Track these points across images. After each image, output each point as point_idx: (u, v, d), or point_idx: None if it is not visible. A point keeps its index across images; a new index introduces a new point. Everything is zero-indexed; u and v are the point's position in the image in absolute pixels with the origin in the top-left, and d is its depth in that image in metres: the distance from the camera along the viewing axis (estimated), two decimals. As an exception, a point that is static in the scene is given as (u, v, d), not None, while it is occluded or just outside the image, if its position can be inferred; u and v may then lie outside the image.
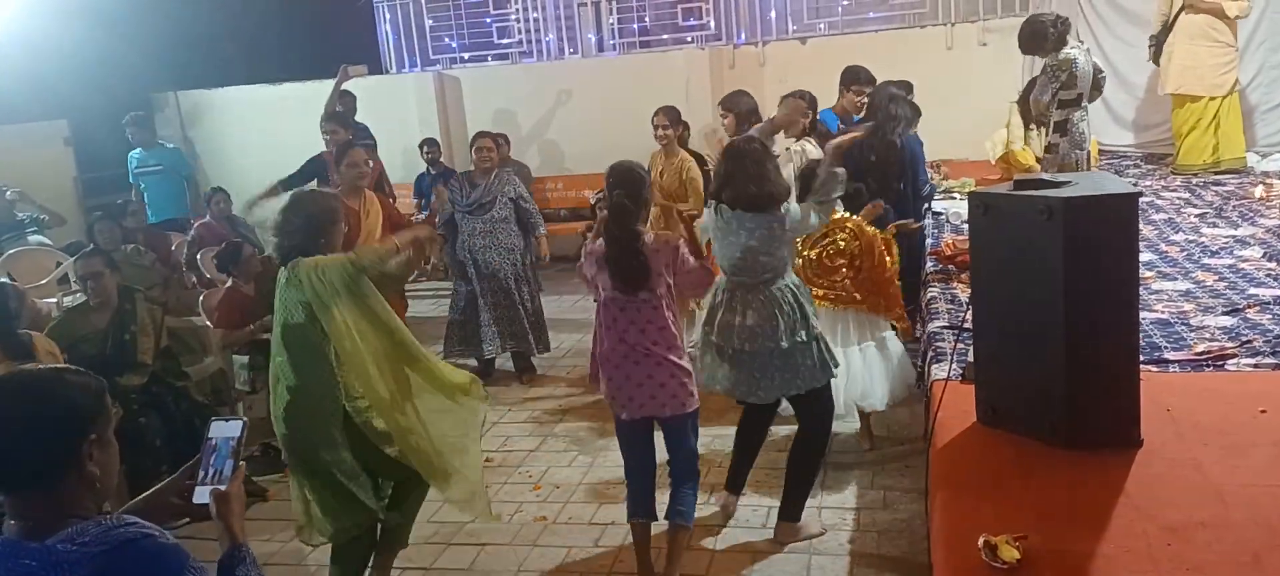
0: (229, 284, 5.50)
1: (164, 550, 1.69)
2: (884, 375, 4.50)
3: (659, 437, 3.77)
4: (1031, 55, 6.07)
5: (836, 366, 3.91)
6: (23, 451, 1.65)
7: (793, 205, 3.78)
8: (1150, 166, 7.89)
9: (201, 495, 1.90)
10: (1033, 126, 6.84)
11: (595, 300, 3.78)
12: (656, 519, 3.77)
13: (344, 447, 3.52)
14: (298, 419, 3.51)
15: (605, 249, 3.58)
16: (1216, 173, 7.14)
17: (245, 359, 5.29)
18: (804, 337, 3.72)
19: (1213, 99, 7.23)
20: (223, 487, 1.88)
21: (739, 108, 5.65)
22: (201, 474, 1.92)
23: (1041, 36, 5.74)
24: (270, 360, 3.62)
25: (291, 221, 3.53)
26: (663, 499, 3.80)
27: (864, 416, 4.72)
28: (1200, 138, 7.28)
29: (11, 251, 7.33)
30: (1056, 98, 5.72)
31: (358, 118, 7.84)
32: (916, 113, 5.52)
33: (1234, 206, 6.13)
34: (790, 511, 4.00)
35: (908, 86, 5.71)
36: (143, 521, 1.72)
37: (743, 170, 3.72)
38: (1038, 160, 6.98)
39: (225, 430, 1.96)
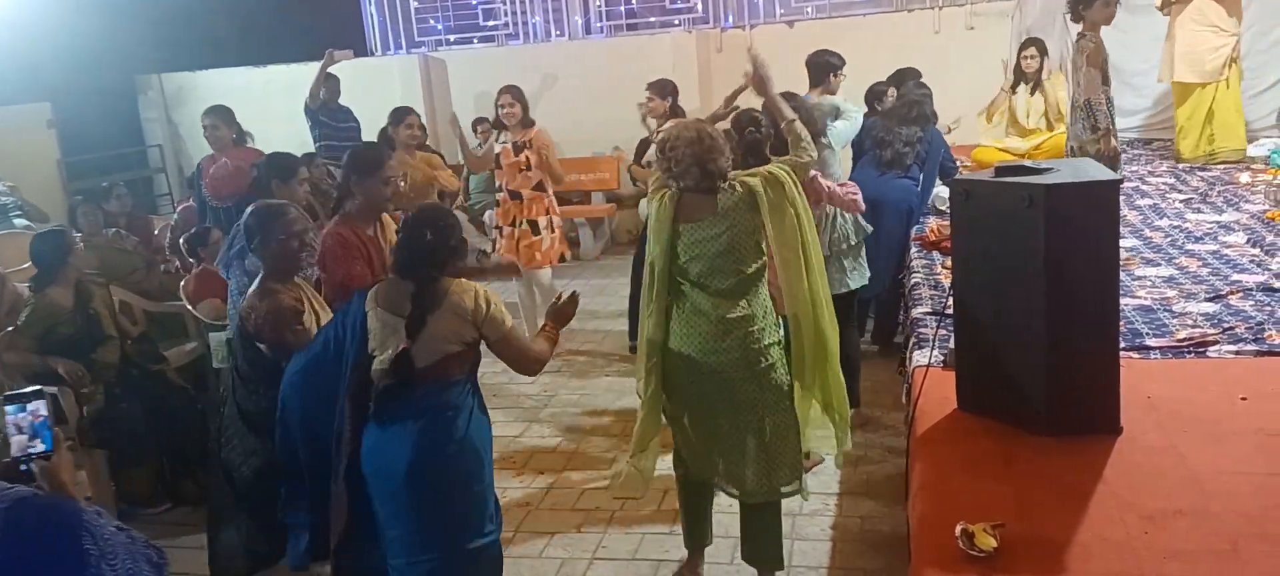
0: (199, 267, 5.47)
1: (57, 503, 1.90)
2: None
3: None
4: (1077, 16, 5.54)
5: None
6: None
7: None
8: (1137, 152, 7.88)
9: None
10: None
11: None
12: None
13: None
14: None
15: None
16: (1213, 164, 7.05)
17: (223, 336, 5.26)
18: None
19: (1206, 86, 7.13)
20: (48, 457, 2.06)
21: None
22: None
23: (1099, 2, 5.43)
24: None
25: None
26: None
27: None
28: (1197, 128, 7.19)
29: (-6, 234, 7.29)
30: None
31: (342, 101, 7.78)
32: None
33: (1219, 192, 6.12)
34: None
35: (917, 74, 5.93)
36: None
37: None
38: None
39: (28, 404, 2.09)
